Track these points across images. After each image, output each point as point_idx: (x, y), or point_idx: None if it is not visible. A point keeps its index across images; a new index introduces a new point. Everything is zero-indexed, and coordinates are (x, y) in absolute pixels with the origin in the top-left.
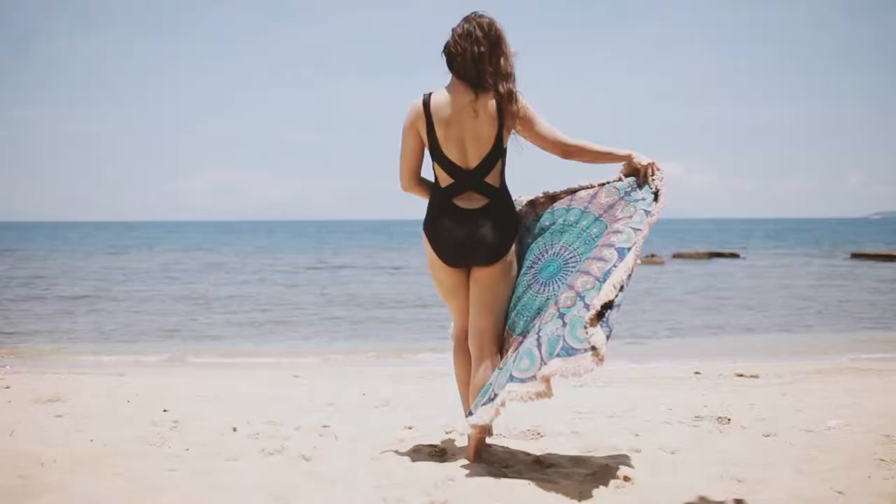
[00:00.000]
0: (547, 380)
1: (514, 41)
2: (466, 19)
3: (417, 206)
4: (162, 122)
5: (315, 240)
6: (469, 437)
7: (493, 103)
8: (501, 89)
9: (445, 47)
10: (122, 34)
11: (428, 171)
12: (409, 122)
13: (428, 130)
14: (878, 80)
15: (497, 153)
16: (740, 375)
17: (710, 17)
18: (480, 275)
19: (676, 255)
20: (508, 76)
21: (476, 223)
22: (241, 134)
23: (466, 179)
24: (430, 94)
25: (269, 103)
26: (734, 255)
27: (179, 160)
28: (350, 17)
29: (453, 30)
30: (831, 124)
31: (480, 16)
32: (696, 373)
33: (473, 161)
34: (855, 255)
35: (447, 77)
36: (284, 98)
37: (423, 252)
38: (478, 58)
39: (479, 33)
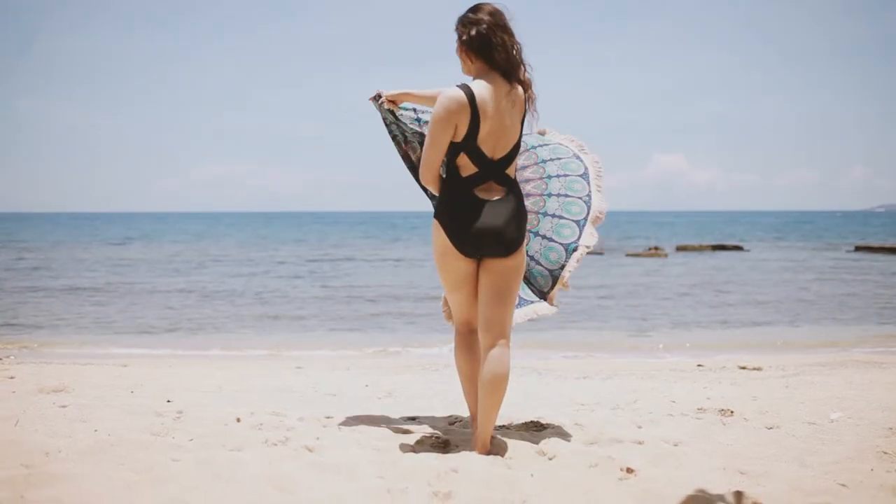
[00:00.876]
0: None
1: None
2: (488, 12)
3: (415, 198)
4: (163, 116)
5: (316, 231)
6: (475, 430)
7: (521, 92)
8: (525, 79)
9: (479, 37)
10: (124, 28)
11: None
12: (449, 115)
13: (471, 123)
14: (880, 73)
15: (519, 143)
16: (743, 368)
17: (711, 14)
18: (496, 265)
19: (680, 248)
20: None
21: (497, 214)
22: (242, 128)
23: (490, 170)
24: (469, 86)
25: (269, 97)
26: (738, 248)
27: (180, 153)
28: (349, 12)
29: (478, 20)
30: (834, 117)
31: (494, 5)
32: (700, 365)
33: (500, 152)
34: (859, 248)
35: (447, 69)
36: (284, 92)
37: (429, 242)
38: (517, 49)
39: (510, 25)
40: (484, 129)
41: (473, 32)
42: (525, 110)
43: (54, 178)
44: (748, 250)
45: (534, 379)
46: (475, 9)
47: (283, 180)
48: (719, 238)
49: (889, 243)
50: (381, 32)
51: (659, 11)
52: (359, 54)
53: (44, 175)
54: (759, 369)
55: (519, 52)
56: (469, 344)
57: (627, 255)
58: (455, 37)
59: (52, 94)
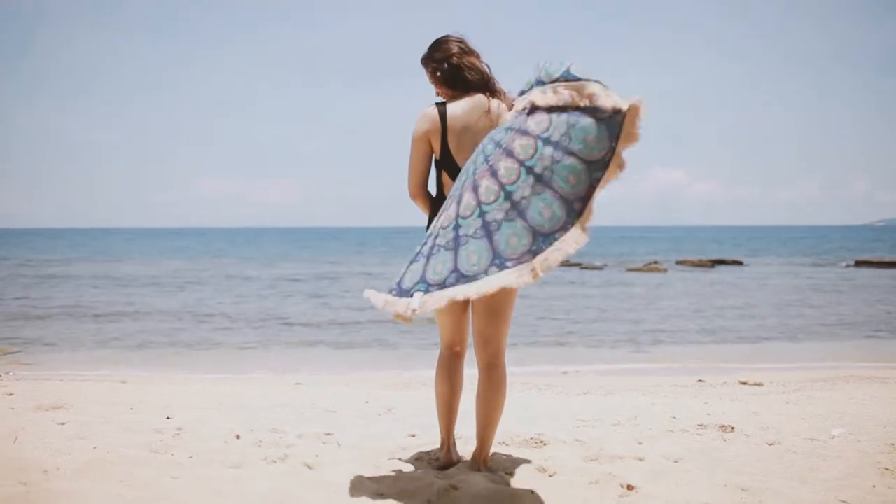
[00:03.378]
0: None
1: (516, 46)
2: (454, 41)
3: (413, 216)
4: (159, 129)
5: (314, 247)
6: (446, 455)
7: (502, 109)
8: (499, 89)
9: (451, 69)
10: (120, 36)
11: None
12: (423, 131)
13: (442, 140)
14: (882, 85)
15: None
16: (744, 383)
17: (711, 23)
18: None
19: (680, 263)
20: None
21: None
22: (242, 141)
23: None
24: (444, 103)
25: (267, 110)
26: (738, 263)
27: (179, 167)
28: (349, 23)
29: (448, 55)
30: (835, 130)
31: (455, 35)
32: (700, 381)
33: None
34: (859, 263)
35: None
36: (283, 105)
37: None
38: (487, 66)
39: (476, 50)
40: (453, 143)
41: (446, 66)
42: None
43: (51, 193)
44: (748, 265)
45: (534, 395)
46: (439, 45)
47: (283, 195)
48: (719, 253)
49: (889, 258)
50: (382, 45)
51: (660, 20)
52: (359, 67)
53: (40, 190)
54: (759, 385)
55: (489, 69)
56: (451, 369)
57: (627, 270)
58: (425, 71)
59: (47, 106)
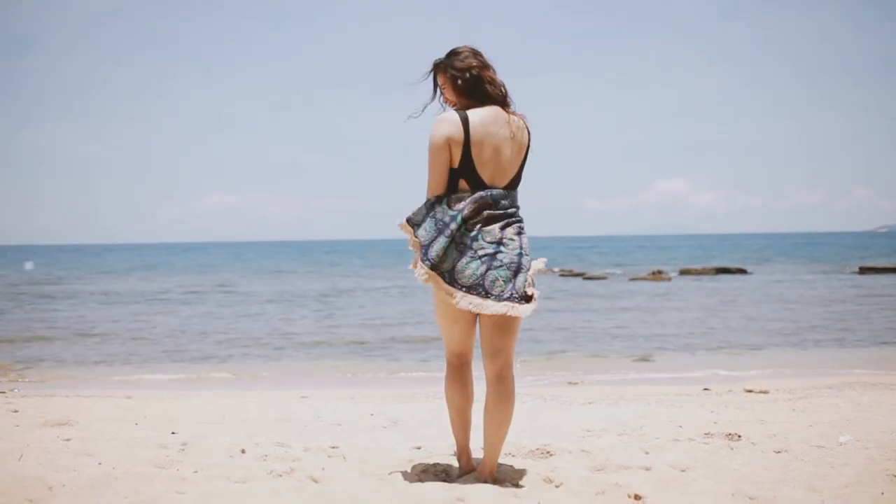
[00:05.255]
0: None
1: (518, 56)
2: (472, 53)
3: None
4: (160, 143)
5: (318, 261)
6: (464, 463)
7: (523, 125)
8: (526, 122)
9: (473, 79)
10: (120, 49)
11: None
12: (444, 140)
13: (464, 149)
14: (883, 92)
15: (520, 176)
16: (749, 391)
17: (713, 33)
18: None
19: (683, 271)
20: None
21: None
22: (242, 155)
23: None
24: (466, 112)
25: (268, 123)
26: (742, 271)
27: (180, 182)
28: (351, 36)
29: (468, 64)
30: (837, 138)
31: (470, 46)
32: (706, 389)
33: (500, 181)
34: (863, 270)
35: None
36: (284, 118)
37: None
38: (504, 85)
39: (491, 64)
40: (476, 151)
41: (468, 76)
42: (528, 143)
43: (50, 209)
44: (751, 273)
45: (540, 405)
46: (457, 53)
47: (285, 208)
48: (723, 261)
49: (893, 264)
50: (381, 60)
51: (662, 29)
52: (359, 81)
53: (39, 206)
54: (765, 392)
55: (504, 86)
56: (461, 377)
57: (631, 279)
58: (440, 77)
59: (45, 120)
